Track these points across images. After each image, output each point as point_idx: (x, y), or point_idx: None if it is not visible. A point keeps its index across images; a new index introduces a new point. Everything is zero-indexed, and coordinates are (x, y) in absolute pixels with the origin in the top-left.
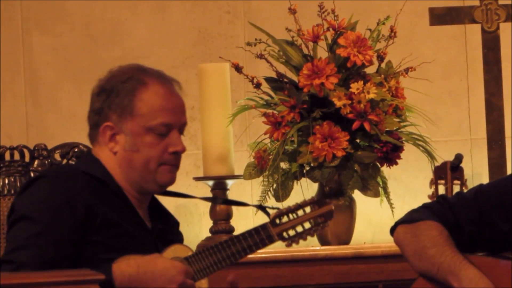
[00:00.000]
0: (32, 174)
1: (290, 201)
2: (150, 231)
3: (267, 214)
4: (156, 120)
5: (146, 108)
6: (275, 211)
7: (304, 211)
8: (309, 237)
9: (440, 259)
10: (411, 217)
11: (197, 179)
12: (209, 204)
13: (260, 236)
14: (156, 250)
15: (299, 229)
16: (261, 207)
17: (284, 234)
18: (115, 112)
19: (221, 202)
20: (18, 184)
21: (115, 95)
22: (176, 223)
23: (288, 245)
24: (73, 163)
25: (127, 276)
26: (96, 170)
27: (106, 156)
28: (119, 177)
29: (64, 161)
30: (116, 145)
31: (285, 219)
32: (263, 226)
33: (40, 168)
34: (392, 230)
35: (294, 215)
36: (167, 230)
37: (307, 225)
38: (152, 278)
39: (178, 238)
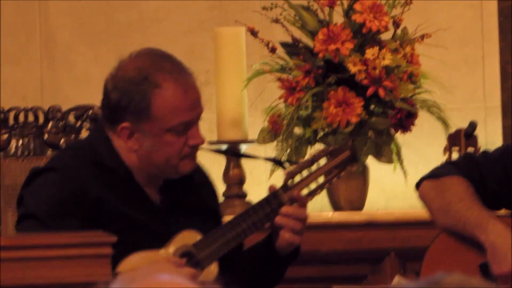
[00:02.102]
0: (46, 136)
1: None
2: (157, 208)
3: (284, 168)
4: (175, 120)
5: (163, 110)
6: (290, 168)
7: (318, 164)
8: (321, 202)
9: (467, 214)
10: (437, 173)
11: (211, 143)
12: (222, 168)
13: (271, 206)
14: (165, 230)
15: (313, 185)
16: (276, 161)
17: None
18: (131, 114)
19: (232, 154)
20: (31, 145)
21: (129, 97)
22: (204, 185)
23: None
24: (81, 141)
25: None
26: (106, 158)
27: (123, 147)
28: (133, 164)
29: (79, 123)
30: (135, 143)
31: (297, 178)
32: (275, 194)
33: (54, 130)
34: (418, 186)
35: (308, 170)
36: (183, 199)
37: (321, 179)
38: None
39: (202, 201)
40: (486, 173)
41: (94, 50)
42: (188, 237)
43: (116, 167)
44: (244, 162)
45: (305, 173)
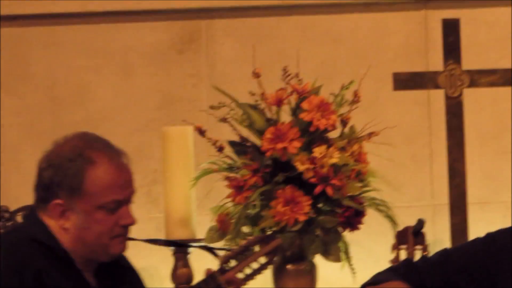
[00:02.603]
0: None
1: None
2: None
3: (215, 255)
4: (107, 197)
5: (96, 188)
6: (223, 253)
7: (252, 250)
8: None
9: None
10: (378, 279)
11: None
12: (170, 267)
13: (208, 287)
14: None
15: (248, 271)
16: (209, 249)
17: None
18: (64, 190)
19: (163, 243)
20: None
21: (63, 174)
22: (130, 269)
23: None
24: (20, 224)
25: None
26: (43, 236)
27: (56, 227)
28: (67, 244)
29: None
30: (67, 221)
31: (233, 262)
32: (212, 276)
33: (1, 230)
34: None
35: (243, 256)
36: (118, 283)
37: (255, 265)
38: None
39: (133, 285)
40: (425, 279)
41: (41, 150)
42: None
43: (54, 247)
44: (193, 261)
45: (240, 258)
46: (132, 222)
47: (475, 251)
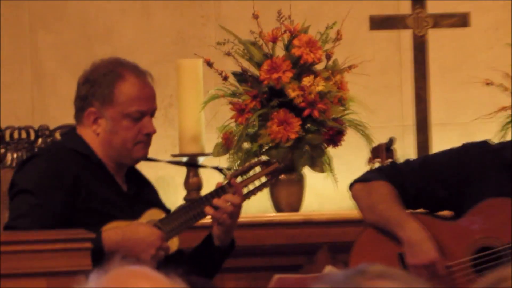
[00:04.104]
0: (36, 150)
1: None
2: (126, 194)
3: (224, 174)
4: (132, 107)
5: (123, 97)
6: (230, 172)
7: (254, 170)
8: (265, 204)
9: (388, 213)
10: (366, 177)
11: (174, 155)
12: (183, 176)
13: (219, 195)
14: (132, 211)
15: (252, 186)
16: (218, 169)
17: (240, 191)
18: (98, 100)
19: (179, 163)
20: (24, 158)
21: (98, 85)
22: (150, 184)
23: (243, 200)
24: (59, 139)
25: (115, 242)
26: (80, 147)
27: (90, 135)
28: (100, 152)
29: None
30: (99, 127)
31: (239, 179)
32: (222, 187)
33: (43, 145)
34: (351, 186)
35: (247, 175)
36: (142, 191)
37: (257, 182)
38: (135, 243)
39: (153, 196)
40: (406, 179)
41: (76, 78)
42: (155, 214)
43: (89, 155)
44: (202, 172)
45: (244, 176)
46: (153, 131)
47: (450, 159)
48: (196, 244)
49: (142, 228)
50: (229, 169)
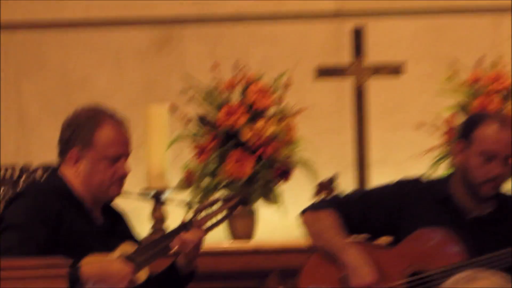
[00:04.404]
0: (20, 186)
1: None
2: (102, 227)
3: (190, 208)
4: (110, 150)
5: (103, 141)
6: (195, 206)
7: (217, 205)
8: (223, 234)
9: (333, 240)
10: (315, 206)
11: (143, 190)
12: (148, 209)
13: (186, 230)
14: (107, 245)
15: (214, 220)
16: (186, 203)
17: (203, 226)
18: (79, 143)
19: (148, 197)
20: (10, 193)
21: (79, 130)
22: (122, 216)
23: (205, 233)
24: (42, 180)
25: (91, 275)
26: (61, 187)
27: (71, 174)
28: (80, 189)
29: (44, 175)
30: (79, 167)
31: (203, 214)
32: (188, 222)
33: (26, 182)
34: (302, 213)
35: (210, 210)
36: (116, 223)
37: (219, 216)
38: (109, 277)
39: (125, 227)
40: (349, 210)
41: (57, 121)
42: (128, 247)
43: (70, 193)
44: (167, 205)
45: (208, 211)
46: (128, 173)
47: (387, 193)
48: (162, 270)
49: (115, 264)
50: (191, 204)
